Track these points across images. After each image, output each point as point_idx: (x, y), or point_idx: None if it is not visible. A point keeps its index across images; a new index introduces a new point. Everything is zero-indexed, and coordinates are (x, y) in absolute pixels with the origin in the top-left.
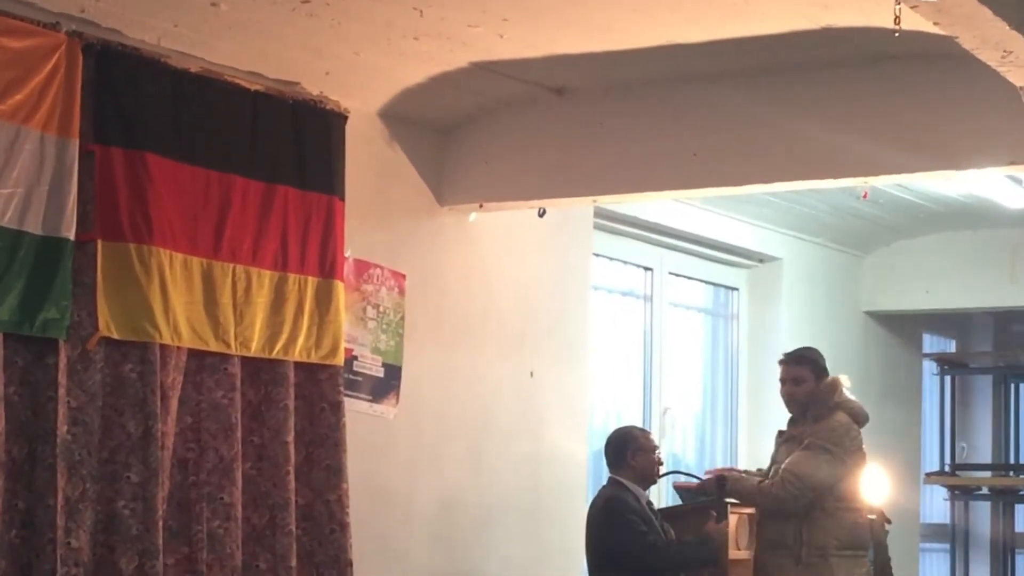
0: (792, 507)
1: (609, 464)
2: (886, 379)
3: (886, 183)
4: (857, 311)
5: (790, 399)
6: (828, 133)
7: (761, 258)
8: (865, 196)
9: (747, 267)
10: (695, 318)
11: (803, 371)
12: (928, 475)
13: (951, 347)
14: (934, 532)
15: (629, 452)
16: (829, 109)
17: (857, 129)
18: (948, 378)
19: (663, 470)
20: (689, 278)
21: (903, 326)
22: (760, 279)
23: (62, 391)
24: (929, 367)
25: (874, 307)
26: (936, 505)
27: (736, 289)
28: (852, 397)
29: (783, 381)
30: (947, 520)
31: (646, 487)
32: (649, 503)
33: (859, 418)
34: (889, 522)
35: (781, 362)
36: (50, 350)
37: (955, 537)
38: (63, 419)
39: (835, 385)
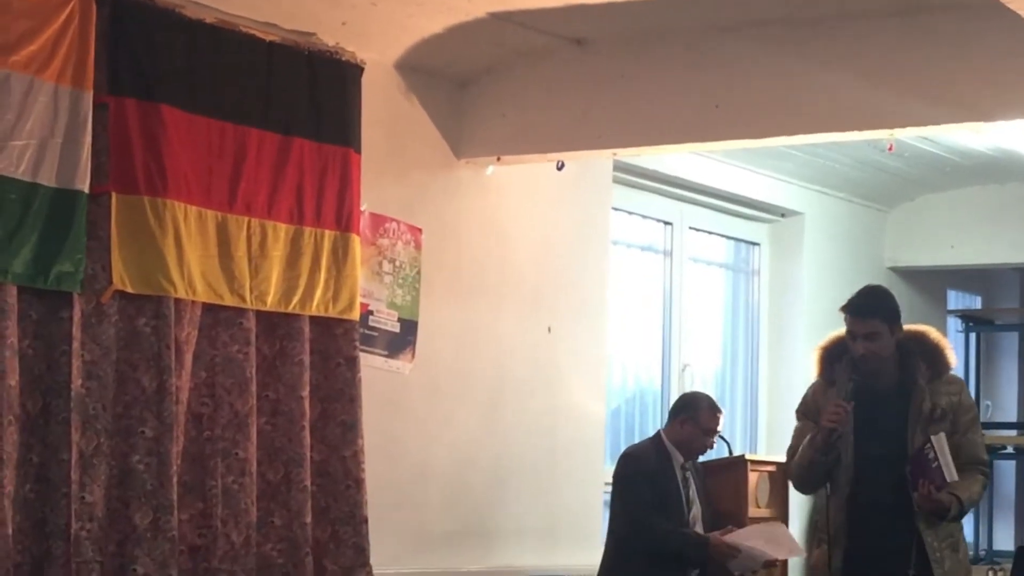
0: None
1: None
2: None
3: (911, 136)
4: (880, 267)
5: (865, 360)
6: (853, 84)
7: (783, 212)
8: (891, 149)
9: (769, 222)
10: (715, 273)
11: (875, 323)
12: None
13: (976, 303)
14: None
15: (682, 416)
16: (854, 60)
17: (882, 80)
18: (973, 335)
19: (704, 457)
20: (710, 233)
21: (927, 282)
22: (782, 234)
23: (76, 345)
24: (954, 324)
25: (898, 263)
26: None
27: (757, 244)
28: None
29: (853, 336)
30: None
31: (687, 457)
32: (687, 467)
33: None
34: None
35: (846, 313)
36: (64, 304)
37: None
38: (77, 373)
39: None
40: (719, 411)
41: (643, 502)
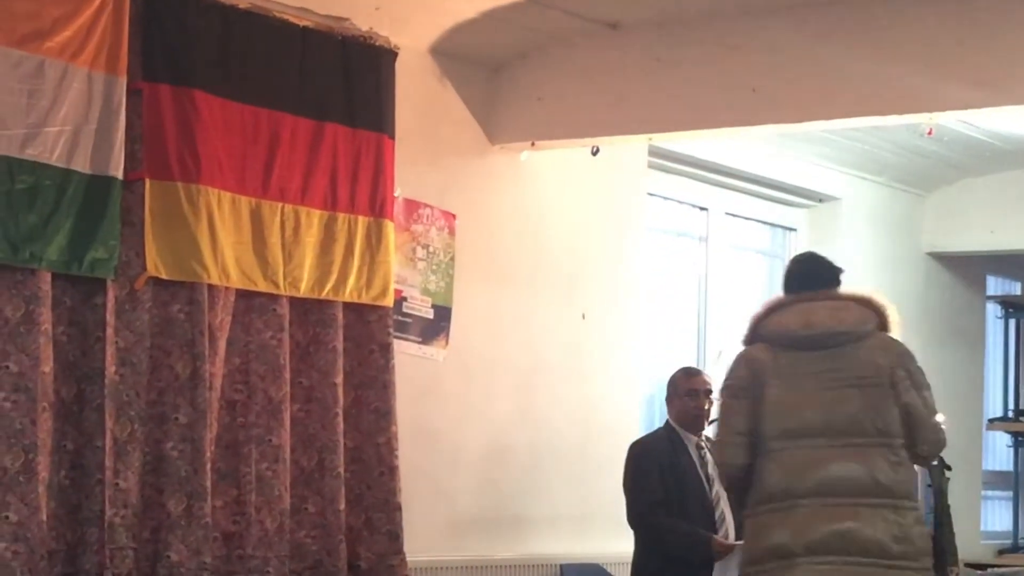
0: None
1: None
2: (948, 322)
3: (951, 119)
4: (919, 252)
5: None
6: (892, 68)
7: (820, 198)
8: (930, 133)
9: (806, 207)
10: (752, 259)
11: None
12: (991, 421)
13: (1016, 289)
14: (997, 479)
15: (668, 395)
16: (893, 43)
17: (922, 63)
18: (1013, 321)
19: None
20: (746, 218)
21: (966, 267)
22: (819, 219)
23: (110, 331)
24: (993, 310)
25: (936, 248)
26: (999, 452)
27: (794, 230)
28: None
29: None
30: (1010, 467)
31: (695, 432)
32: (704, 446)
33: None
34: (949, 469)
35: None
36: (98, 290)
37: (1018, 484)
38: (111, 359)
39: None
40: (694, 373)
41: (647, 498)
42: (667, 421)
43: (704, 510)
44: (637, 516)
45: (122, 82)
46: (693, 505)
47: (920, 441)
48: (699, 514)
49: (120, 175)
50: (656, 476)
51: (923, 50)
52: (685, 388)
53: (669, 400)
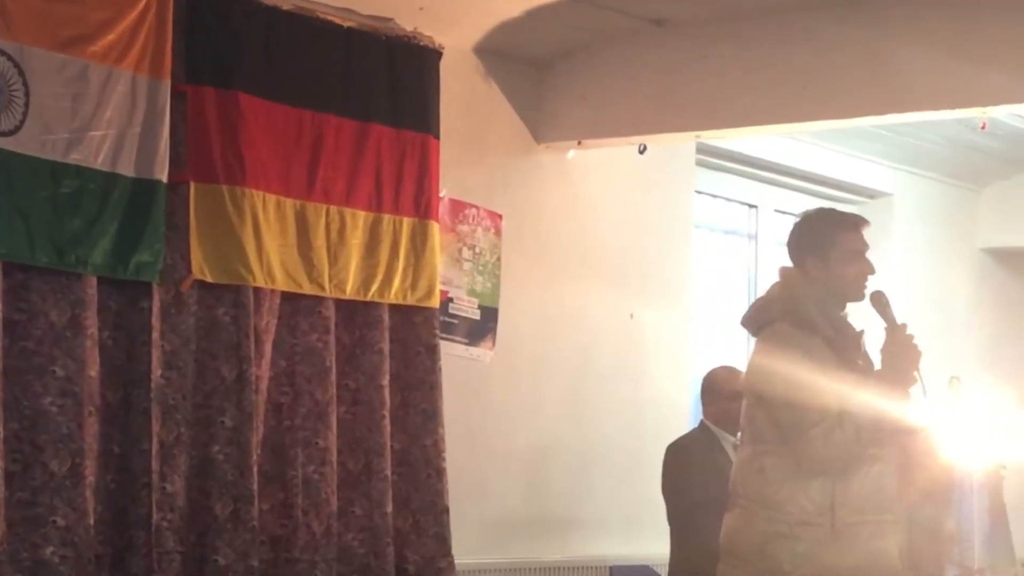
0: None
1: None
2: (1003, 318)
3: (1004, 113)
4: (973, 248)
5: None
6: (944, 61)
7: (871, 194)
8: (984, 127)
9: (857, 203)
10: None
11: None
12: None
13: None
14: None
15: (707, 395)
16: (945, 36)
17: (974, 56)
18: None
19: None
20: (795, 216)
21: (1022, 263)
22: (870, 216)
23: (156, 335)
24: None
25: (991, 244)
26: None
27: None
28: None
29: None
30: None
31: (732, 432)
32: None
33: None
34: (1004, 468)
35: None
36: (144, 294)
37: None
38: (157, 363)
39: None
40: (736, 373)
41: (686, 499)
42: (702, 421)
43: None
44: (676, 518)
45: (166, 85)
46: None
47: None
48: None
49: (164, 178)
50: (695, 477)
51: (975, 43)
52: (729, 390)
53: (708, 400)
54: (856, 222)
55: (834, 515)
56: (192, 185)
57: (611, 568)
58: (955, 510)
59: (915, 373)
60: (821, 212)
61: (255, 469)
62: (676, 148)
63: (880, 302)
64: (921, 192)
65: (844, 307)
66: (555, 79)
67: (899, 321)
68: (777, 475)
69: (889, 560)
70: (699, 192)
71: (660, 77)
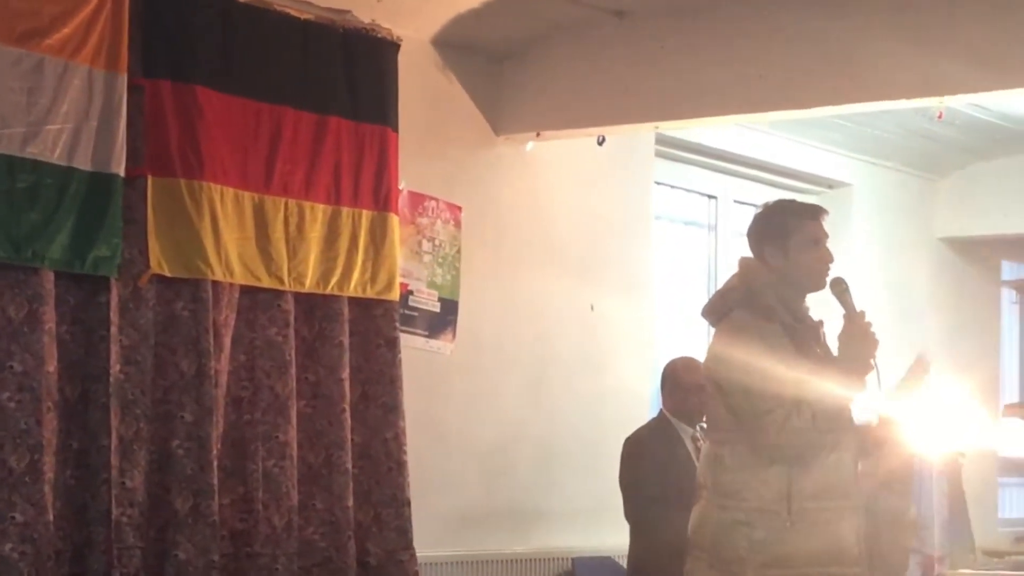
0: None
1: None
2: (961, 308)
3: (962, 103)
4: (931, 237)
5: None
6: (901, 51)
7: (830, 184)
8: (940, 117)
9: (815, 193)
10: None
11: None
12: (1007, 407)
13: None
14: (1014, 466)
15: (667, 386)
16: (902, 25)
17: (931, 46)
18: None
19: None
20: (755, 206)
21: (980, 253)
22: (829, 206)
23: (114, 330)
24: (1008, 295)
25: (949, 233)
26: (1016, 438)
27: None
28: None
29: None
30: None
31: (692, 424)
32: (700, 437)
33: None
34: (963, 456)
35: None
36: (102, 288)
37: None
38: (116, 358)
39: None
40: (696, 367)
41: (643, 493)
42: (661, 412)
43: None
44: (633, 511)
45: (123, 79)
46: (690, 498)
47: None
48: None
49: (122, 172)
50: (651, 470)
51: (932, 33)
52: (687, 382)
53: (666, 392)
54: (815, 211)
55: (791, 502)
56: (149, 179)
57: (574, 560)
58: (916, 498)
59: (872, 361)
60: (780, 202)
61: (215, 464)
62: (635, 139)
63: (839, 289)
64: (880, 182)
65: (804, 297)
66: (514, 71)
67: (858, 308)
68: (734, 463)
69: (846, 546)
70: (659, 183)
71: (619, 68)
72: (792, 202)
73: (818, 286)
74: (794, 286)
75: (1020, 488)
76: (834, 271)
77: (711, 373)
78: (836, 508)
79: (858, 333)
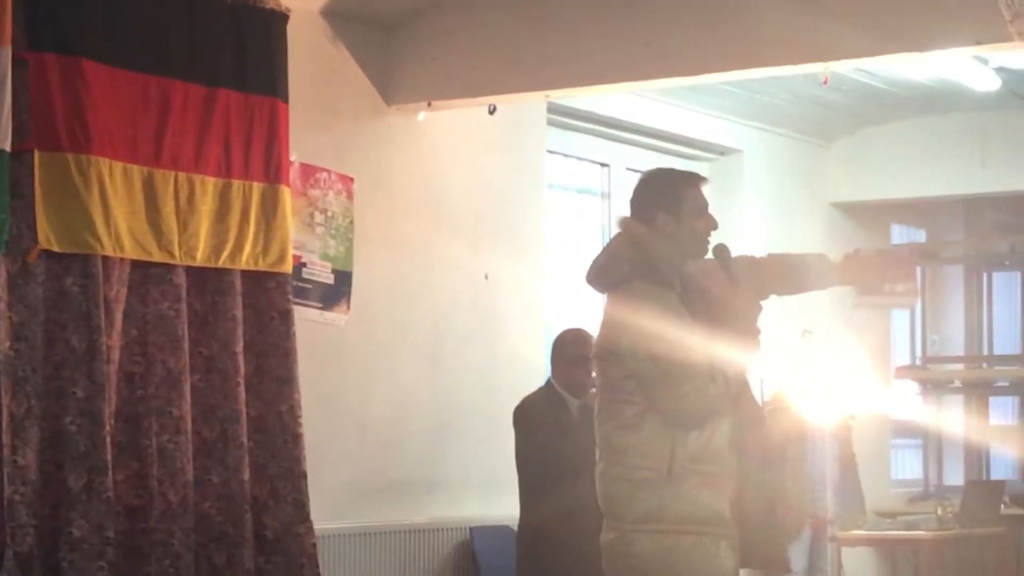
0: None
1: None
2: None
3: (847, 68)
4: (823, 202)
5: None
6: (785, 16)
7: (722, 151)
8: (826, 82)
9: (708, 160)
10: None
11: None
12: (899, 369)
13: (921, 237)
14: (906, 428)
15: (553, 358)
16: None
17: (816, 12)
18: (918, 269)
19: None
20: None
21: (871, 217)
22: (721, 172)
23: (3, 306)
24: None
25: (840, 198)
26: (908, 400)
27: None
28: None
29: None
30: (919, 415)
31: (578, 396)
32: (585, 409)
33: None
34: (853, 419)
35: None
36: None
37: (927, 432)
38: (5, 335)
39: None
40: (583, 338)
41: (531, 460)
42: (549, 381)
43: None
44: (528, 483)
45: (6, 52)
46: (579, 466)
47: None
48: (587, 473)
49: (8, 147)
50: (539, 439)
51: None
52: (573, 354)
53: (554, 363)
54: (699, 179)
55: (673, 463)
56: (36, 153)
57: (471, 529)
58: (808, 461)
59: (758, 326)
60: (669, 169)
61: (108, 440)
62: (527, 108)
63: (723, 256)
64: (770, 148)
65: (688, 264)
66: (404, 40)
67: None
68: (623, 425)
69: (722, 509)
70: (552, 152)
71: (509, 37)
72: (676, 169)
73: (704, 252)
74: (684, 252)
75: (912, 450)
76: (727, 237)
77: (609, 340)
78: (714, 471)
79: (743, 296)
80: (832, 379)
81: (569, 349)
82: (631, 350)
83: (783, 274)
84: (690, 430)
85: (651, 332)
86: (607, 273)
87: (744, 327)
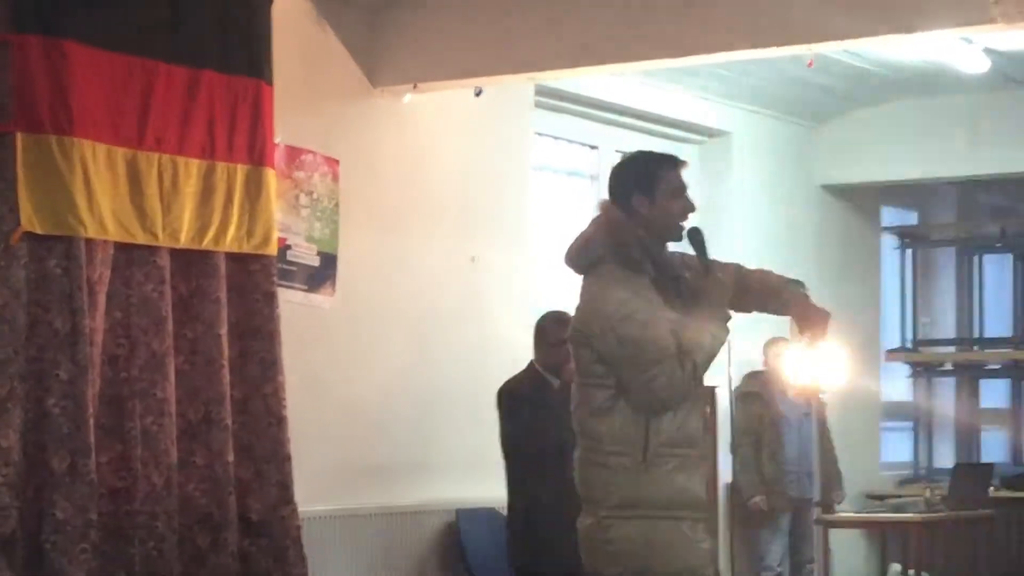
0: None
1: None
2: (843, 255)
3: (833, 49)
4: (812, 185)
5: None
6: None
7: (711, 133)
8: (811, 64)
9: (697, 142)
10: None
11: None
12: (889, 352)
13: (912, 219)
14: (896, 410)
15: (536, 342)
16: None
17: None
18: (909, 252)
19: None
20: None
21: (861, 199)
22: (710, 154)
23: None
24: (889, 241)
25: (830, 180)
26: (898, 383)
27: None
28: None
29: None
30: (909, 398)
31: (560, 378)
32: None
33: None
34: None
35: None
36: None
37: (918, 415)
38: None
39: None
40: (566, 317)
41: (517, 443)
42: (531, 363)
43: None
44: (516, 466)
45: None
46: (564, 446)
47: None
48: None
49: None
50: (522, 420)
51: None
52: (554, 337)
53: (536, 345)
54: (676, 161)
55: (647, 448)
56: (19, 136)
57: (457, 511)
58: (786, 443)
59: (728, 311)
60: (644, 152)
61: (92, 422)
62: (514, 90)
63: (697, 239)
64: (759, 130)
65: (664, 247)
66: (390, 22)
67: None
68: (595, 409)
69: (696, 492)
70: (541, 134)
71: (495, 19)
72: (654, 152)
73: (679, 234)
74: (657, 235)
75: (902, 432)
76: (716, 218)
77: (582, 325)
78: (687, 455)
79: (713, 284)
80: (818, 361)
81: (551, 331)
82: (600, 333)
83: (761, 292)
84: (661, 415)
85: (620, 316)
86: (581, 256)
87: (713, 312)
